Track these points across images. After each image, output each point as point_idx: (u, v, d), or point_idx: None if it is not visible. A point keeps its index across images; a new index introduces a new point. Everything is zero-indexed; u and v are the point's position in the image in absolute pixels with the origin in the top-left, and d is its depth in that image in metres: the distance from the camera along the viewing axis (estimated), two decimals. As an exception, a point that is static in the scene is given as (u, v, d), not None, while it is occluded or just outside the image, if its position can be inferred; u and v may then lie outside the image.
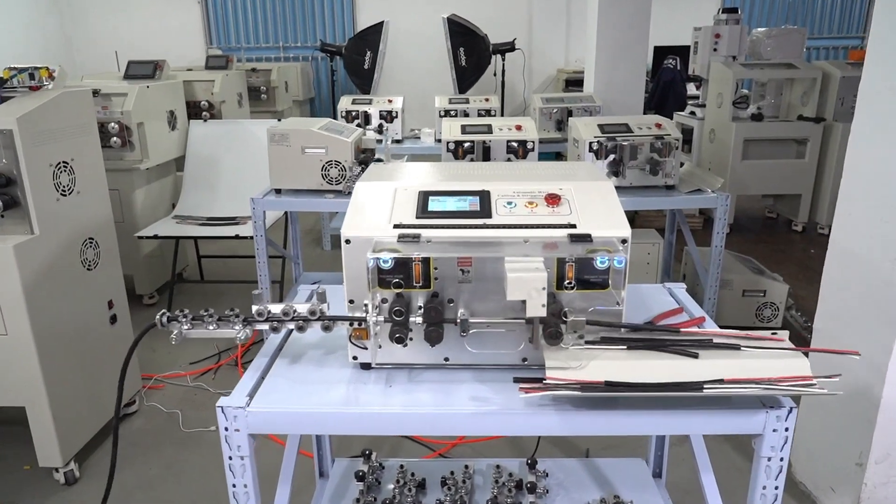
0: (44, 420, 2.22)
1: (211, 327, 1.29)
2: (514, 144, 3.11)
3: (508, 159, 3.14)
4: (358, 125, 4.56)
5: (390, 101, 4.65)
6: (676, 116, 5.92)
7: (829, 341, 2.13)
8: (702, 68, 5.48)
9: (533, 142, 3.12)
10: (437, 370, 1.35)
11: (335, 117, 4.53)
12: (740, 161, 4.99)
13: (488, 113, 4.64)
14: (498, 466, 1.96)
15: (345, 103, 4.66)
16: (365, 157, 3.14)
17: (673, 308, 1.64)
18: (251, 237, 3.13)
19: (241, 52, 8.26)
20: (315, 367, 1.39)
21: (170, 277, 3.94)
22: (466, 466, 1.95)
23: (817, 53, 8.63)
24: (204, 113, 4.92)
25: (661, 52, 7.34)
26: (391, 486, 1.89)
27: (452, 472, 1.92)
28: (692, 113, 5.78)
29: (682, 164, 3.20)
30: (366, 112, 4.60)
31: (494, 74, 7.39)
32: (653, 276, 3.67)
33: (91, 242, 2.45)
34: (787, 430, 1.21)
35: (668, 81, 7.00)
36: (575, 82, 7.36)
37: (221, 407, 1.23)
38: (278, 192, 3.08)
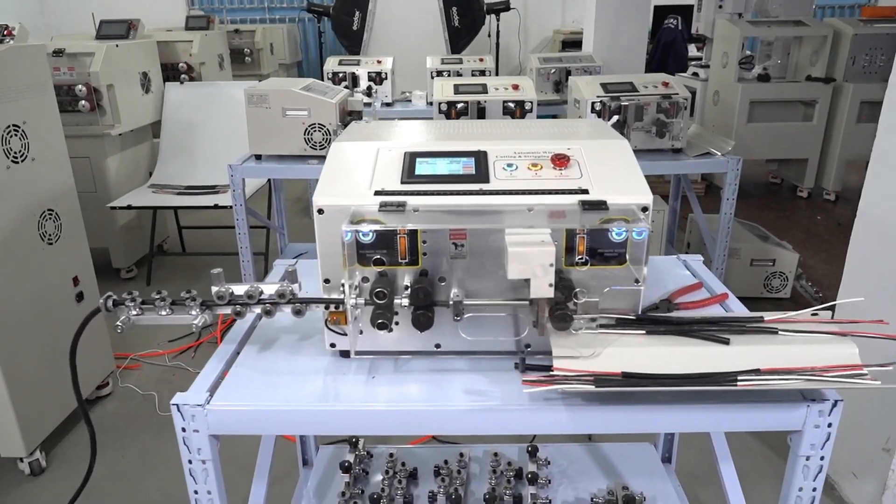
0: (2, 407, 2.05)
1: (163, 313, 1.12)
2: (511, 105, 2.90)
3: (505, 122, 2.93)
4: (346, 87, 4.32)
5: (379, 62, 4.41)
6: (678, 78, 5.68)
7: (853, 316, 1.95)
8: (706, 26, 5.23)
9: (531, 102, 2.91)
10: (427, 358, 1.17)
11: (323, 80, 4.29)
12: (745, 124, 4.78)
13: (482, 74, 4.41)
14: (496, 454, 1.81)
15: (331, 64, 4.41)
16: (351, 120, 2.93)
17: (691, 283, 1.47)
18: (231, 207, 2.93)
19: (224, 13, 7.91)
20: (288, 354, 1.22)
21: (148, 250, 3.74)
22: (462, 454, 1.80)
23: (822, 13, 8.34)
24: (182, 76, 4.66)
25: (661, 12, 7.04)
26: (380, 477, 1.74)
27: (446, 461, 1.77)
28: (695, 74, 5.55)
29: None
30: (353, 73, 4.36)
31: (489, 35, 7.10)
32: (656, 246, 3.49)
33: (50, 214, 2.25)
34: (829, 425, 1.05)
35: (668, 42, 6.73)
36: (572, 44, 7.08)
37: (177, 405, 1.07)
38: (258, 158, 2.88)
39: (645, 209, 1.06)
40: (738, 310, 1.35)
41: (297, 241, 3.66)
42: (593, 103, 2.82)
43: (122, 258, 3.70)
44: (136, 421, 2.47)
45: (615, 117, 2.83)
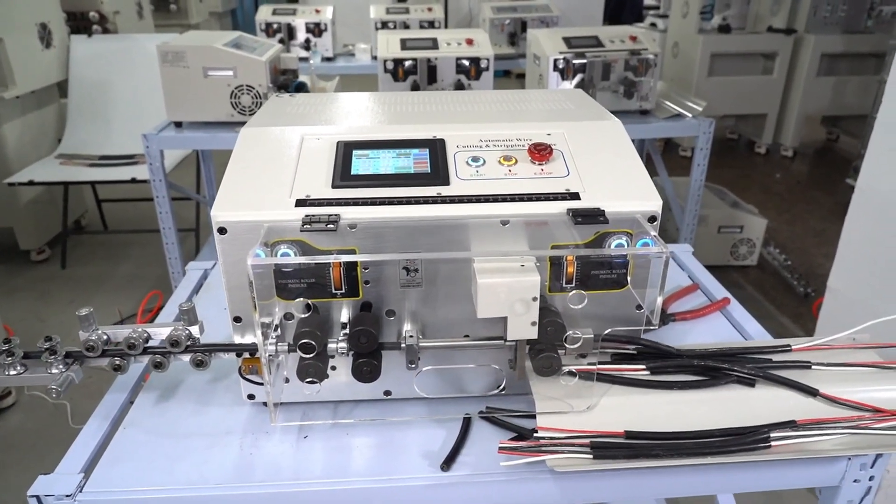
0: None
1: (12, 371, 0.83)
2: (466, 63, 2.60)
3: (458, 81, 2.64)
4: (281, 41, 3.91)
5: (318, 12, 3.99)
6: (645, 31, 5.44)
7: (847, 304, 1.80)
8: (666, -27, 4.97)
9: (487, 59, 2.61)
10: (374, 406, 0.93)
11: (256, 32, 3.86)
12: (706, 78, 4.60)
13: (431, 25, 4.06)
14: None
15: (264, 14, 3.97)
16: (285, 80, 2.59)
17: (685, 286, 1.25)
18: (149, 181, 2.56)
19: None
20: (196, 405, 0.95)
21: (62, 228, 3.33)
22: None
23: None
24: (95, 26, 4.13)
25: (616, -43, 6.72)
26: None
27: None
28: (653, 25, 5.32)
29: (657, 85, 2.76)
30: (289, 24, 3.94)
31: (436, -18, 6.64)
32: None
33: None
34: (871, 479, 0.86)
35: (623, -10, 6.46)
36: (524, -9, 6.71)
37: (37, 496, 0.79)
38: (178, 125, 2.51)
39: (653, 219, 0.82)
40: (743, 319, 1.14)
41: (231, 214, 3.30)
42: (556, 60, 2.54)
43: (30, 238, 3.28)
44: (44, 437, 2.15)
45: (579, 76, 2.57)
